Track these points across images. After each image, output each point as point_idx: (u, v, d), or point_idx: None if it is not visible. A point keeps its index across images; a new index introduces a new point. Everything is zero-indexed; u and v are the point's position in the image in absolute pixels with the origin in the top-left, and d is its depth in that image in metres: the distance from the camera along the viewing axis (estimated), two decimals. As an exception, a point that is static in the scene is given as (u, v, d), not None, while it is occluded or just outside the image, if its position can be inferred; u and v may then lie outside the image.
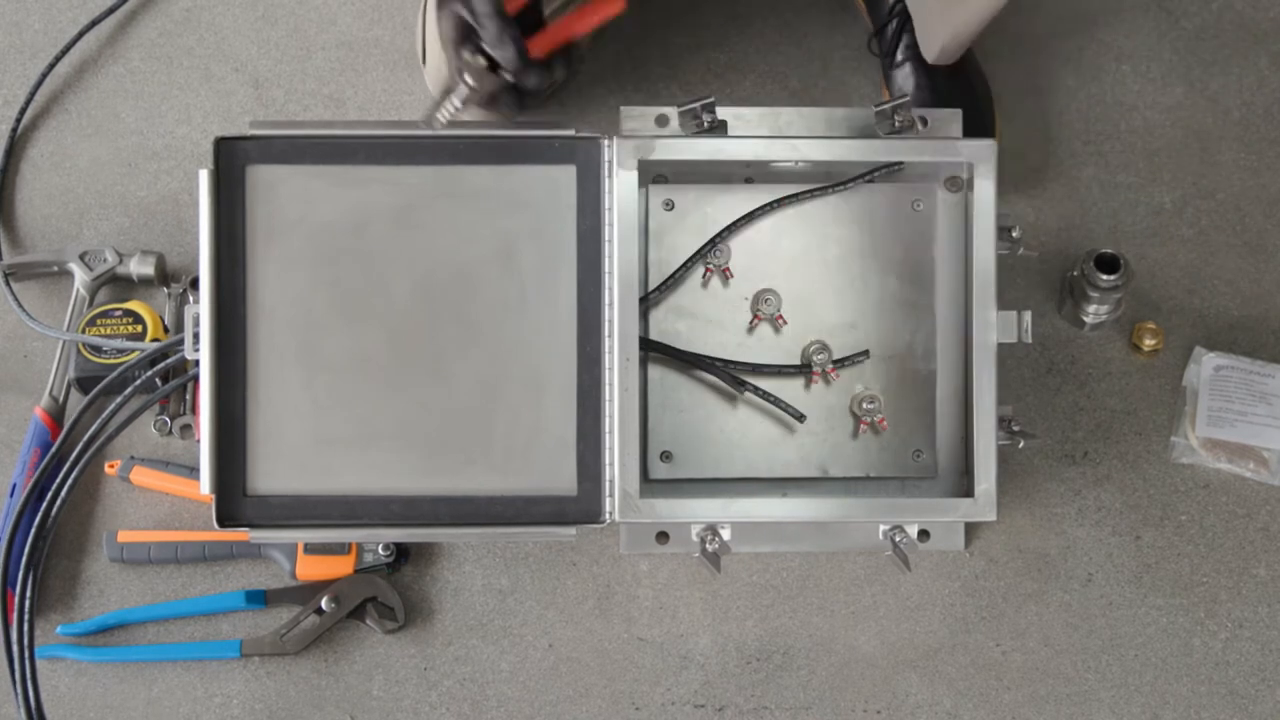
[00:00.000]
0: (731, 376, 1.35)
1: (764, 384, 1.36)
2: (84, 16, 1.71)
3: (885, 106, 1.33)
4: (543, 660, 1.47)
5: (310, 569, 1.47)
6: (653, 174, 1.37)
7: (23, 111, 1.66)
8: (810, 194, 1.36)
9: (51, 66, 1.68)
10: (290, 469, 1.31)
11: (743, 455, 1.38)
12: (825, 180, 1.37)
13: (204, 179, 1.29)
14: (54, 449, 1.46)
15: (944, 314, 1.38)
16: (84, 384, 1.52)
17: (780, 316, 1.37)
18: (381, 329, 1.31)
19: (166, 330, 1.56)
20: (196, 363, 1.38)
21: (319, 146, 1.30)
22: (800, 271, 1.38)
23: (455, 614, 1.48)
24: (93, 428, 1.43)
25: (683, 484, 1.38)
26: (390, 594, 1.46)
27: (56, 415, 1.53)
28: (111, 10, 1.70)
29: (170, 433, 1.54)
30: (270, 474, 1.31)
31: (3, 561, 1.41)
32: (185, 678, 1.46)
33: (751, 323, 1.38)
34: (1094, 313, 1.56)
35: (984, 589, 1.49)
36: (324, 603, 1.45)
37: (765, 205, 1.36)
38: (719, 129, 1.35)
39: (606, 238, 1.32)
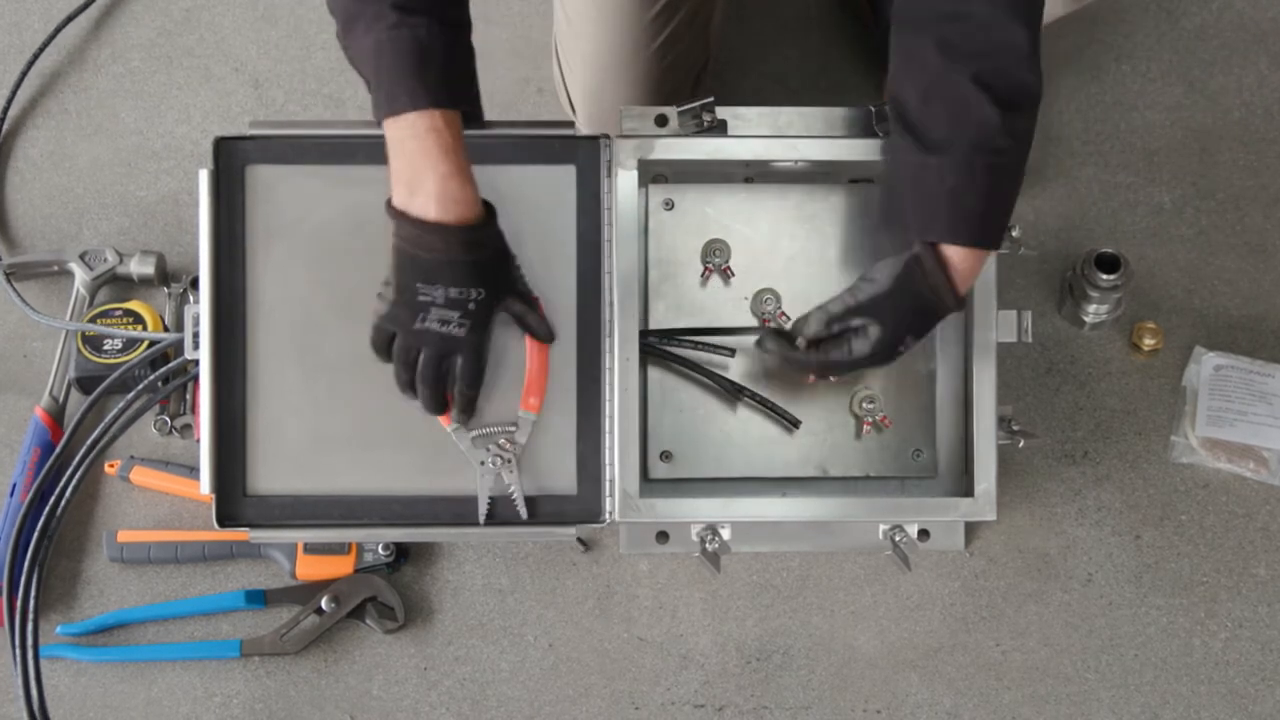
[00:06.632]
0: (730, 382, 1.35)
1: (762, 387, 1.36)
2: (84, 18, 1.71)
3: (885, 106, 1.33)
4: (543, 660, 1.47)
5: (310, 569, 1.47)
6: (652, 174, 1.37)
7: (8, 105, 1.66)
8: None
9: (35, 58, 1.68)
10: (290, 469, 1.31)
11: (742, 455, 1.37)
12: (824, 179, 1.37)
13: (204, 179, 1.29)
14: (56, 451, 1.46)
15: (944, 314, 1.38)
16: (84, 384, 1.52)
17: (783, 314, 1.37)
18: (381, 329, 1.31)
19: (166, 330, 1.56)
20: (196, 363, 1.38)
21: (319, 146, 1.30)
22: (800, 271, 1.38)
23: (455, 614, 1.48)
24: (95, 430, 1.43)
25: (682, 484, 1.37)
26: (390, 594, 1.46)
27: (56, 415, 1.53)
28: (89, 3, 1.70)
29: (170, 433, 1.54)
30: (270, 474, 1.31)
31: (8, 563, 1.41)
32: (185, 677, 1.46)
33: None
34: (1094, 312, 1.55)
35: (984, 589, 1.49)
36: (324, 602, 1.45)
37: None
38: (719, 129, 1.34)
39: (606, 237, 1.31)
